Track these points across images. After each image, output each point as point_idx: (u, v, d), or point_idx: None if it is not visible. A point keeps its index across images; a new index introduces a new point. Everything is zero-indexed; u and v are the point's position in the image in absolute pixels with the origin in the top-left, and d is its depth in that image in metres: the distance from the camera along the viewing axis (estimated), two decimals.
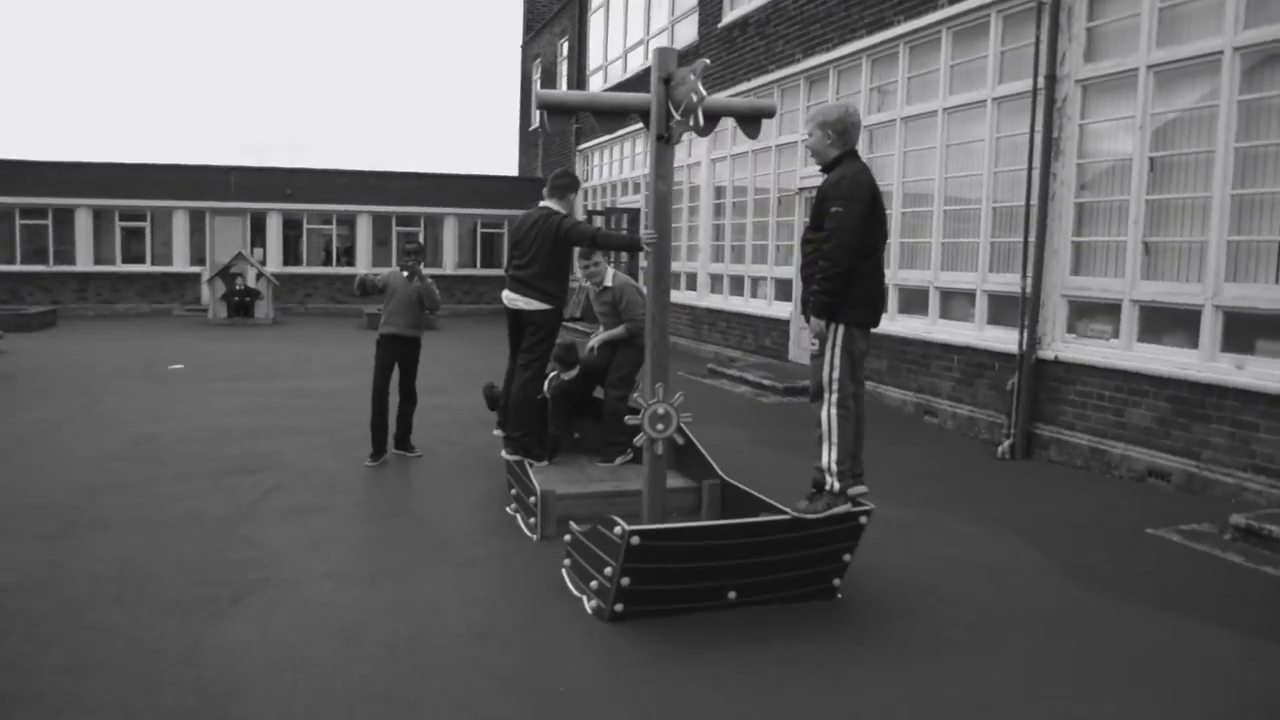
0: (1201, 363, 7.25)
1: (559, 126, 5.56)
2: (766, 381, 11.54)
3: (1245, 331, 7.10)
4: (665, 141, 5.26)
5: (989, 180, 9.42)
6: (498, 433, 6.99)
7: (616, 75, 20.78)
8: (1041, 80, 8.57)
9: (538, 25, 28.42)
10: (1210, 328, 7.20)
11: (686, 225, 16.81)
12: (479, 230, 27.44)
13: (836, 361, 4.82)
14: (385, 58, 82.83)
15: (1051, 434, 8.49)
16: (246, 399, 11.12)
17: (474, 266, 27.40)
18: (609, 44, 21.56)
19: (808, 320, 5.00)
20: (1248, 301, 7.00)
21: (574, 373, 7.21)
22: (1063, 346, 8.48)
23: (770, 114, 5.76)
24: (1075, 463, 8.20)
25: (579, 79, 23.20)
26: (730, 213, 15.24)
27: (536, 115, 26.72)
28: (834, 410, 4.86)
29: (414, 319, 7.88)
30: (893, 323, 10.86)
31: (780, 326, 13.56)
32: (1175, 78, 7.62)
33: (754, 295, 14.65)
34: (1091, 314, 8.39)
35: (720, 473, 6.02)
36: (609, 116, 5.41)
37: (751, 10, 14.36)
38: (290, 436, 8.88)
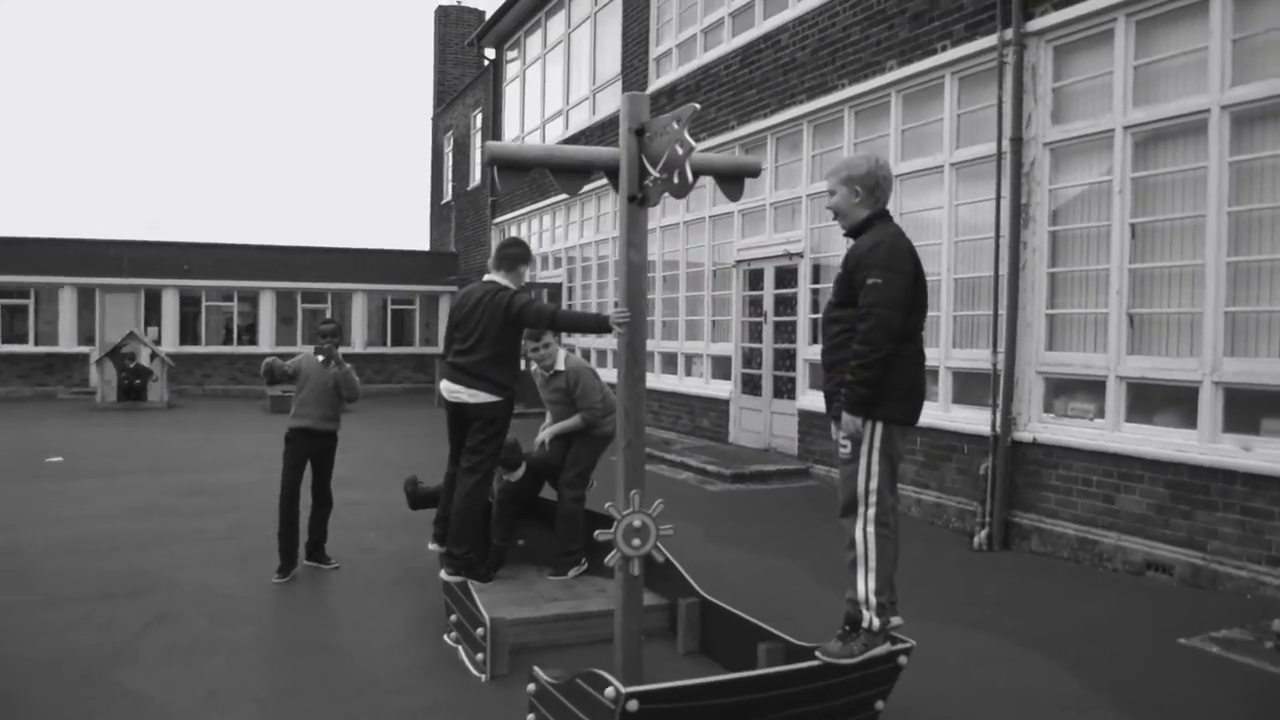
0: (1202, 444, 6.65)
1: (510, 186, 4.65)
2: (711, 467, 10.73)
3: (1249, 410, 6.54)
4: (639, 203, 4.46)
5: (949, 250, 8.86)
6: (434, 548, 5.94)
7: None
8: (1006, 144, 8.06)
9: (449, 97, 27.75)
10: (1210, 406, 6.63)
11: (612, 301, 16.06)
12: (389, 307, 26.36)
13: (874, 468, 4.03)
14: (285, 131, 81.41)
15: (1032, 522, 7.82)
16: (134, 498, 9.86)
17: (384, 344, 26.26)
18: (526, 115, 20.94)
19: (833, 417, 4.21)
20: (1251, 377, 6.45)
21: (519, 473, 6.24)
22: (1041, 427, 7.86)
23: (755, 172, 5.02)
24: (1061, 554, 7.52)
25: None
26: (661, 287, 14.55)
27: (477, 175, 25.95)
28: (872, 529, 4.05)
29: (329, 410, 6.84)
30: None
31: (719, 406, 12.81)
32: (1156, 139, 7.15)
33: (689, 373, 13.90)
34: (1071, 392, 7.80)
35: (698, 588, 5.13)
36: (570, 174, 4.60)
37: (680, 77, 13.84)
38: (183, 545, 7.70)
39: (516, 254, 5.67)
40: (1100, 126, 7.45)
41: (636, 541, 4.34)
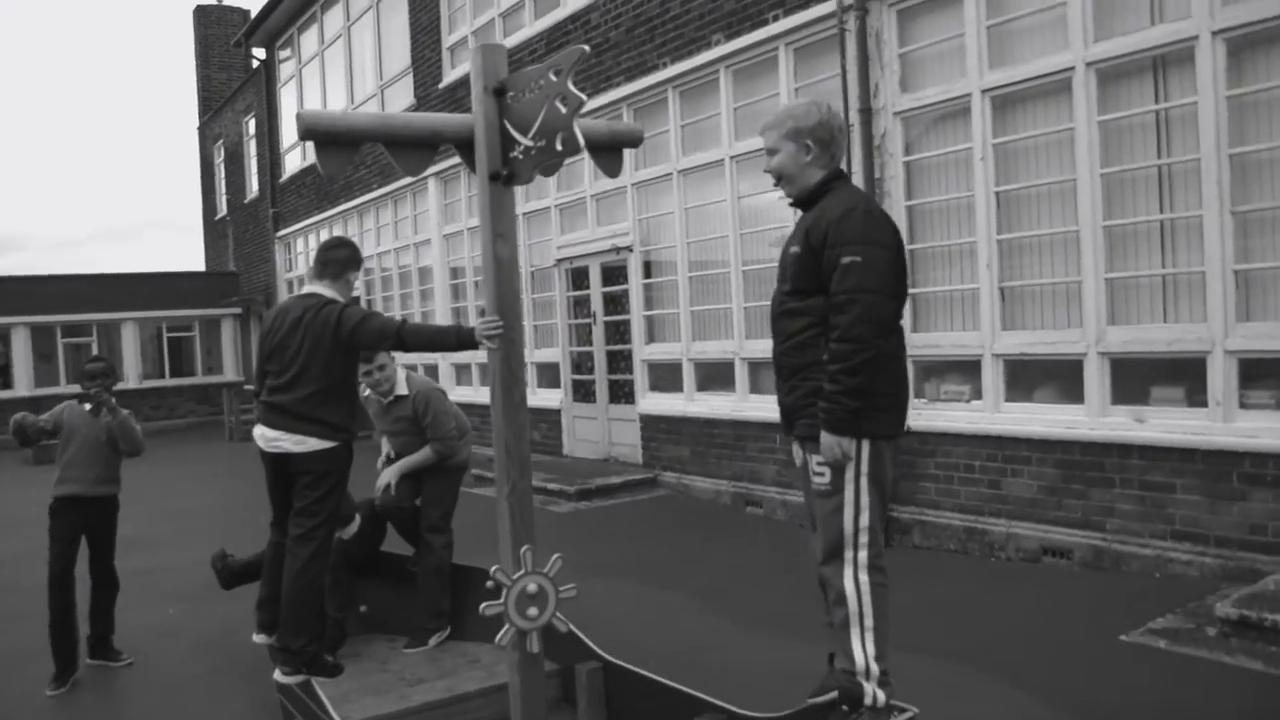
0: (1092, 419, 6.29)
1: (335, 166, 3.61)
2: (553, 484, 9.82)
3: (1138, 379, 6.21)
4: (505, 181, 3.55)
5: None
6: (261, 639, 4.69)
7: None
8: (854, 116, 7.54)
9: (216, 103, 25.58)
10: (1097, 378, 6.27)
11: (419, 310, 14.88)
12: (164, 335, 23.97)
13: (864, 500, 3.26)
14: (38, 143, 74.65)
15: (912, 516, 7.33)
16: None
17: (162, 376, 23.87)
18: None
19: (798, 438, 3.42)
20: (1138, 345, 6.11)
21: (353, 528, 5.13)
22: (914, 414, 7.37)
23: (637, 141, 4.17)
24: (948, 546, 7.05)
25: (271, 159, 20.76)
26: (472, 294, 13.50)
27: (254, 186, 23.95)
28: (865, 577, 3.29)
29: (104, 470, 5.43)
30: (692, 402, 9.50)
31: (549, 417, 11.89)
32: (1017, 102, 6.76)
33: None
34: (943, 374, 7.35)
35: (599, 651, 4.24)
36: (411, 150, 3.62)
37: None
38: None
39: (344, 257, 4.56)
40: (955, 92, 7.01)
41: (533, 611, 3.45)
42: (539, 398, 11.94)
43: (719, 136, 9.04)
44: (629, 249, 10.28)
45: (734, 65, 8.84)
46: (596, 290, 11.04)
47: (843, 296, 3.14)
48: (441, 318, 14.00)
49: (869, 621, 3.25)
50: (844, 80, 7.62)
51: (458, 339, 3.96)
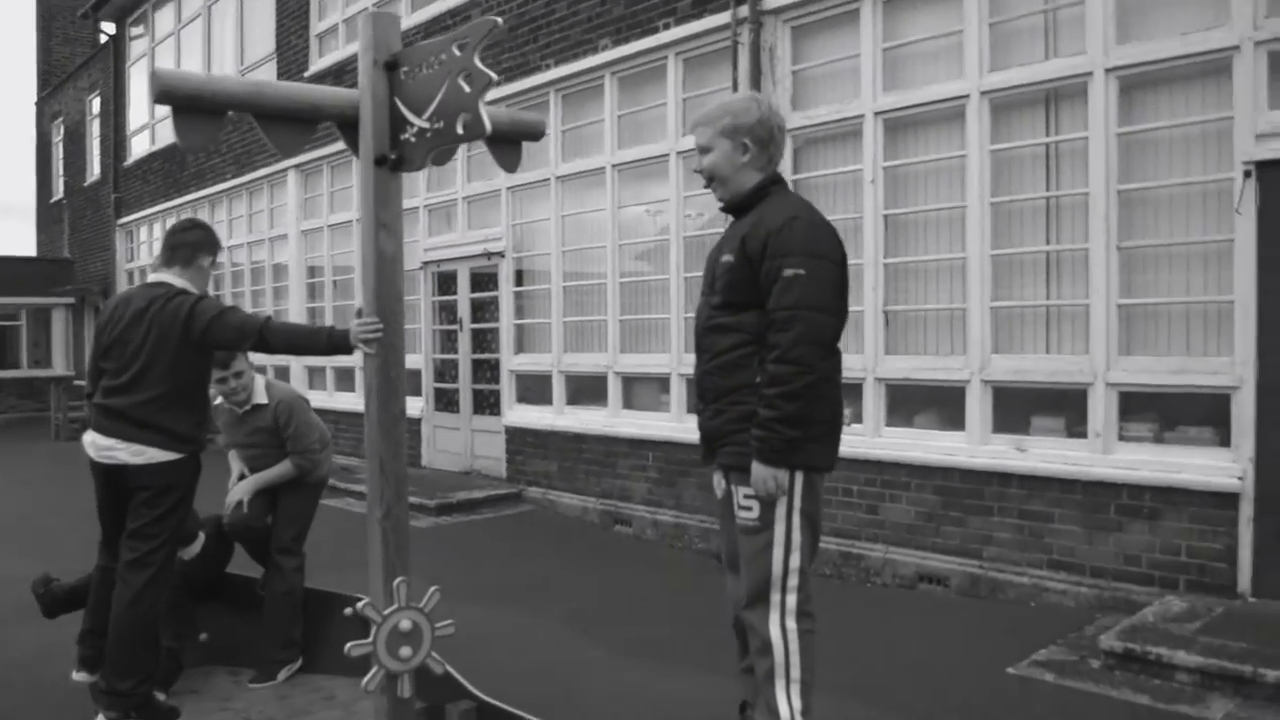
0: (973, 446, 6.25)
1: (200, 139, 3.12)
2: (411, 498, 9.29)
3: (1019, 409, 6.21)
4: (393, 166, 3.18)
5: (678, 246, 8.07)
6: (82, 677, 4.07)
7: (169, 135, 17.48)
8: None
9: (58, 79, 23.94)
10: (979, 406, 6.24)
11: (273, 309, 14.10)
12: None
13: (795, 538, 3.01)
14: None
15: None
16: None
17: None
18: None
19: (723, 468, 3.15)
20: (1020, 375, 6.11)
21: (196, 548, 4.60)
22: None
23: (539, 133, 3.83)
24: (823, 570, 6.92)
25: (116, 141, 19.49)
26: (330, 294, 12.84)
27: (95, 168, 22.43)
28: (793, 624, 3.03)
29: None
30: (561, 416, 9.17)
31: (408, 427, 11.32)
32: (909, 126, 6.71)
33: None
34: None
35: (472, 689, 3.86)
36: (287, 125, 3.21)
37: (348, 58, 12.21)
38: None
39: (197, 239, 4.04)
40: (848, 112, 6.92)
41: (405, 651, 3.10)
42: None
43: (601, 144, 8.76)
44: (501, 254, 9.90)
45: (620, 72, 8.59)
46: (464, 296, 10.61)
47: (783, 313, 2.90)
48: (296, 317, 13.28)
49: (795, 673, 3.01)
50: (735, 93, 7.45)
51: (330, 342, 3.55)
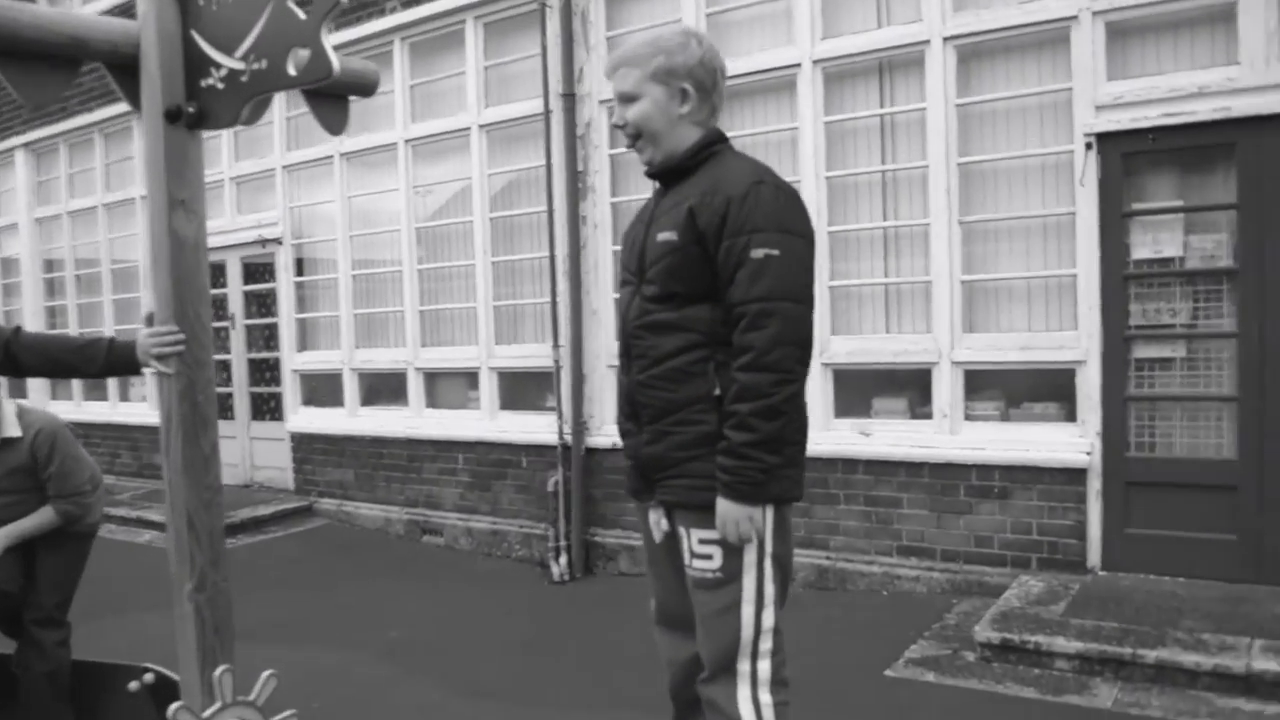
0: (817, 434, 5.94)
1: None
2: None
3: (862, 392, 5.99)
4: (190, 123, 2.46)
5: (483, 228, 7.42)
6: None
7: None
8: (555, 101, 6.83)
9: None
10: (820, 390, 5.96)
11: (2, 309, 12.32)
12: None
13: (769, 590, 2.50)
14: None
15: (618, 540, 6.71)
16: None
17: None
18: None
19: (663, 504, 2.57)
20: (862, 356, 5.88)
21: None
22: (616, 430, 6.75)
23: (372, 87, 3.11)
24: (643, 571, 6.48)
25: None
26: (73, 292, 11.31)
27: None
28: (766, 696, 2.51)
29: None
30: (356, 418, 8.33)
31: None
32: (736, 97, 6.35)
33: (125, 398, 10.94)
34: None
35: None
36: (38, 66, 2.39)
37: None
38: None
39: None
40: None
41: None
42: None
43: (392, 118, 7.97)
44: (278, 241, 8.90)
45: (411, 37, 7.82)
46: (236, 288, 9.52)
47: (755, 305, 2.34)
48: (32, 319, 11.61)
49: None
50: (544, 61, 6.88)
51: (109, 359, 2.75)
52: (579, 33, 6.76)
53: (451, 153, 7.70)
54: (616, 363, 6.14)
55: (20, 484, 3.75)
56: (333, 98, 3.05)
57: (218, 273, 9.67)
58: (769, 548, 2.45)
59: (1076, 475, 5.26)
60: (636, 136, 2.58)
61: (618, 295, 2.80)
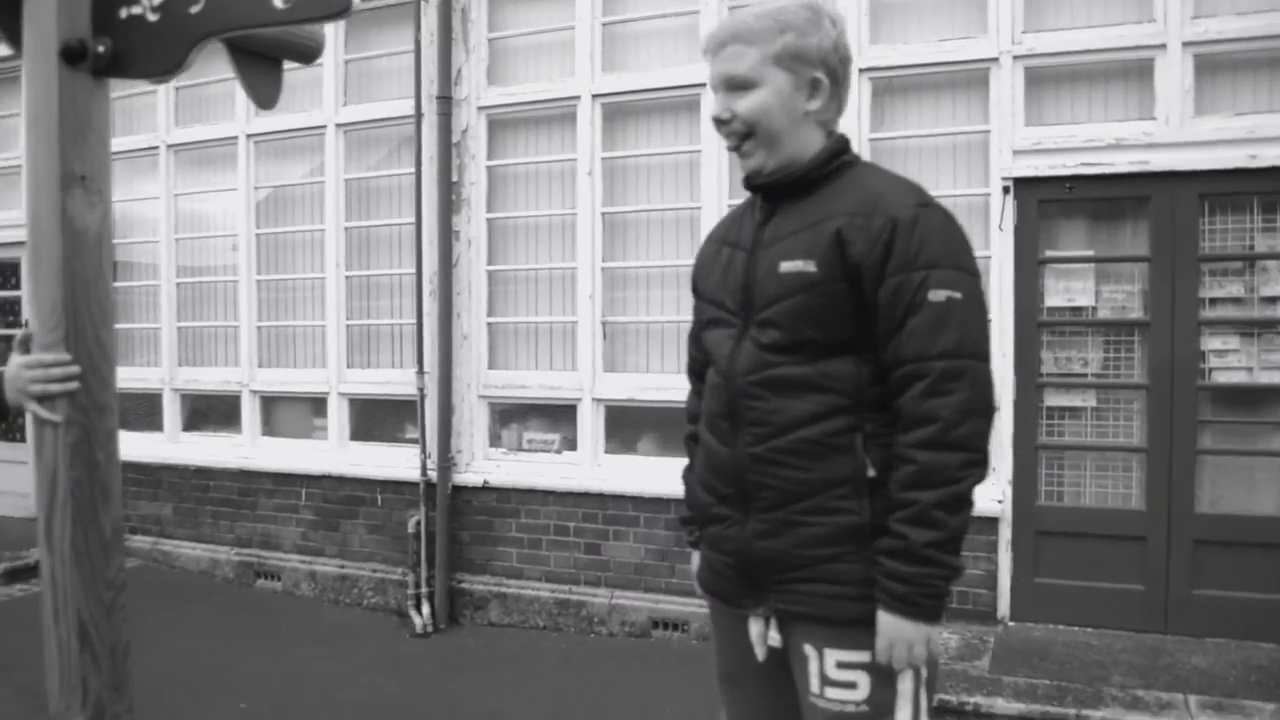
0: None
1: None
2: None
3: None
4: (98, 68, 1.92)
5: (336, 236, 6.70)
6: None
7: None
8: (429, 104, 6.23)
9: None
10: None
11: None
12: None
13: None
14: None
15: (489, 587, 6.14)
16: None
17: None
18: None
19: (771, 616, 2.08)
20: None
21: None
22: (491, 466, 6.20)
23: (313, 50, 2.50)
24: (536, 622, 5.97)
25: None
26: None
27: None
28: None
29: None
30: (177, 445, 7.40)
31: None
32: (629, 114, 5.95)
33: None
34: (524, 419, 6.28)
35: None
36: None
37: None
38: None
39: None
40: (555, 93, 6.02)
41: None
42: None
43: (232, 109, 7.12)
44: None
45: None
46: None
47: (940, 364, 1.88)
48: None
49: None
50: (417, 59, 6.25)
51: None
52: (458, 31, 6.19)
53: (302, 152, 6.95)
54: (492, 392, 5.52)
55: None
56: (267, 61, 2.46)
57: (7, 273, 8.48)
58: (924, 673, 2.01)
59: (988, 524, 5.10)
60: (745, 136, 2.06)
61: (713, 336, 2.18)
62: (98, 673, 1.90)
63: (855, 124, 5.24)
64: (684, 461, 2.44)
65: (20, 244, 8.00)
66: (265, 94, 2.49)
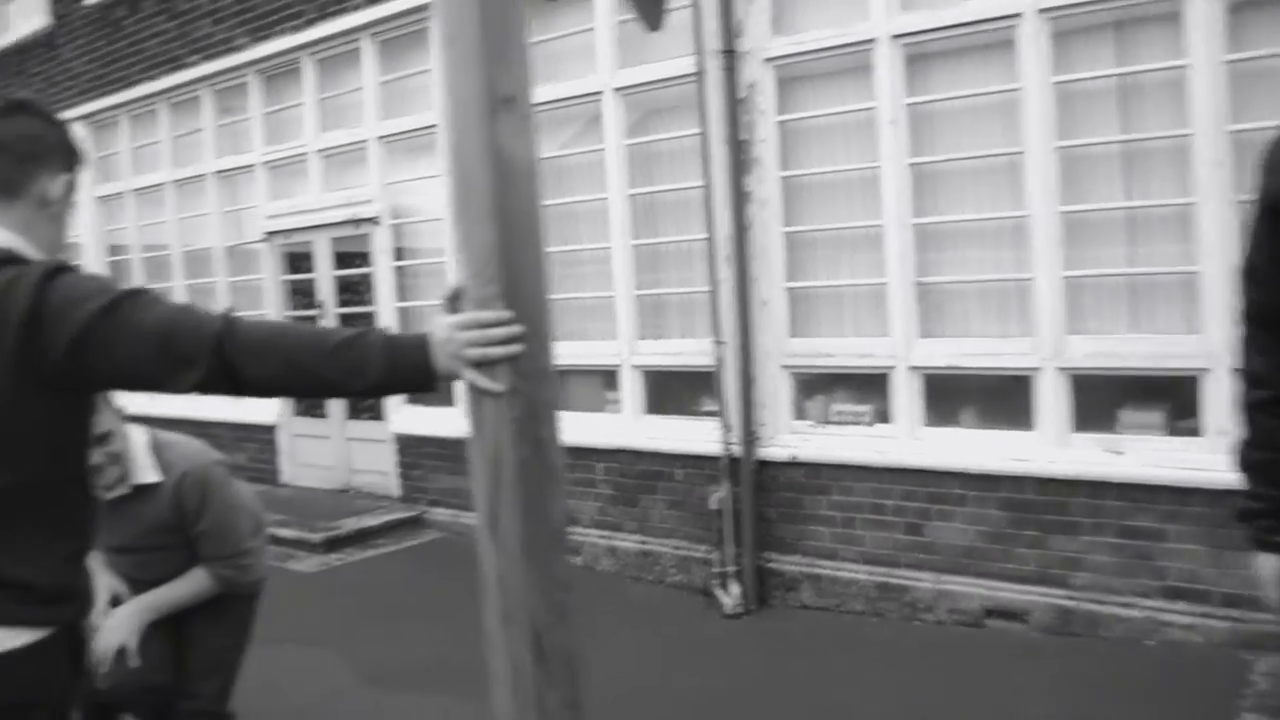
0: (1050, 449, 5.07)
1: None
2: (288, 531, 7.42)
3: (1106, 403, 5.07)
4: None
5: (621, 205, 6.49)
6: None
7: None
8: (712, 60, 5.87)
9: None
10: (1054, 400, 5.05)
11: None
12: None
13: None
14: None
15: (800, 568, 5.86)
16: None
17: None
18: None
19: None
20: (1107, 359, 4.95)
21: None
22: (798, 440, 5.88)
23: None
24: (854, 607, 5.65)
25: None
26: (182, 272, 10.52)
27: None
28: None
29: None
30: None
31: (259, 435, 9.31)
32: (933, 56, 5.38)
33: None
34: (831, 389, 5.91)
35: None
36: None
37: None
38: None
39: (34, 135, 1.87)
40: (848, 37, 5.52)
41: None
42: (243, 410, 9.29)
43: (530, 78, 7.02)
44: (374, 219, 8.02)
45: None
46: (326, 273, 8.66)
47: None
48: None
49: None
50: (696, 14, 5.90)
51: (387, 363, 1.68)
52: None
53: (575, 121, 6.77)
54: (794, 361, 5.03)
55: (161, 541, 2.92)
56: None
57: (302, 255, 8.84)
58: None
59: None
60: None
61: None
62: (552, 688, 1.71)
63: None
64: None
65: (312, 229, 8.30)
66: (650, 14, 2.37)
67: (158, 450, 2.98)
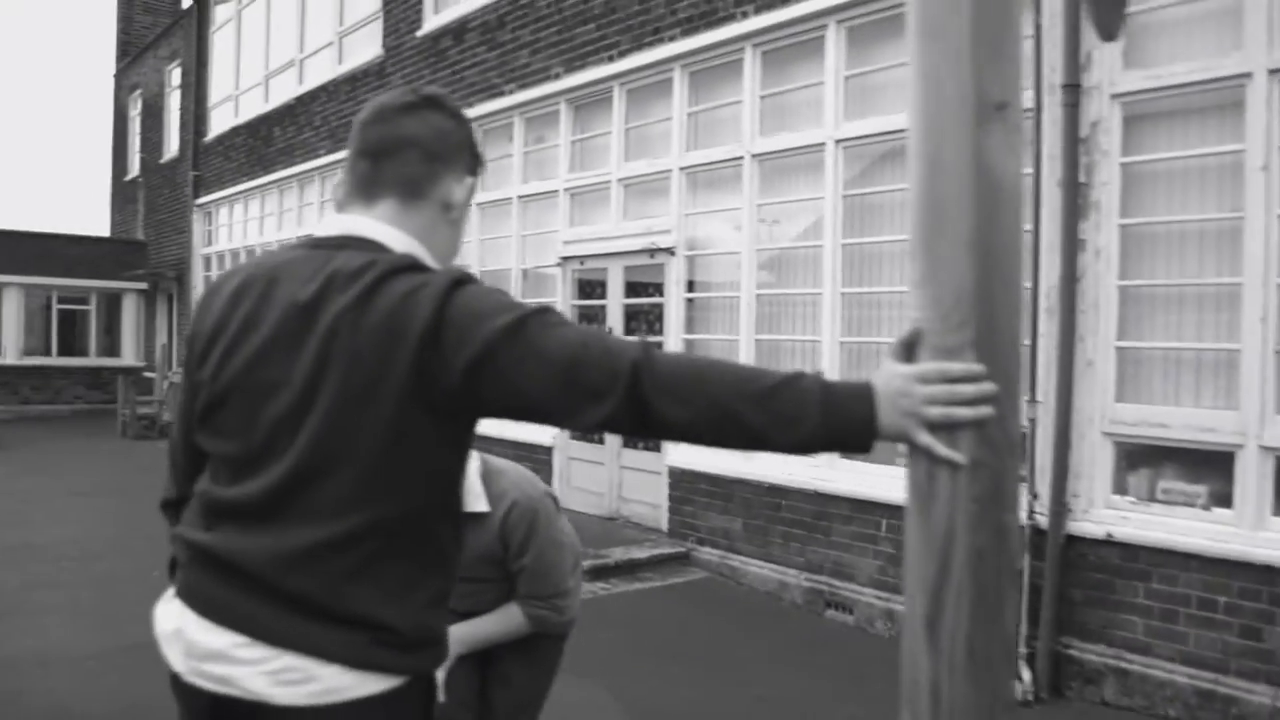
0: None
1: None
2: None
3: None
4: None
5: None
6: None
7: (255, 107, 15.91)
8: (1050, 94, 5.42)
9: (136, 49, 22.56)
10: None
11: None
12: (54, 305, 20.87)
13: None
14: None
15: (1105, 659, 5.20)
16: None
17: (48, 354, 20.76)
18: (241, 69, 16.64)
19: None
20: None
21: None
22: (1116, 516, 5.26)
23: None
24: (1165, 711, 4.94)
25: (197, 115, 17.98)
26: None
27: (173, 144, 21.02)
28: None
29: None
30: (750, 460, 7.25)
31: (536, 454, 9.46)
32: None
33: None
34: (1159, 463, 5.25)
35: None
36: None
37: (474, 10, 10.36)
38: None
39: (441, 134, 1.74)
40: (1215, 71, 4.93)
41: None
42: (525, 429, 9.46)
43: (820, 114, 6.84)
44: (670, 250, 8.01)
45: (849, 21, 6.66)
46: (616, 301, 8.73)
47: None
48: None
49: None
50: (1038, 44, 5.47)
51: (823, 417, 1.42)
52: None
53: (892, 158, 6.47)
54: (1119, 429, 4.57)
55: (482, 572, 2.80)
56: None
57: (593, 282, 8.96)
58: None
59: None
60: None
61: None
62: None
63: None
64: None
65: (607, 256, 8.38)
66: (1107, 23, 2.06)
67: (488, 479, 2.82)
